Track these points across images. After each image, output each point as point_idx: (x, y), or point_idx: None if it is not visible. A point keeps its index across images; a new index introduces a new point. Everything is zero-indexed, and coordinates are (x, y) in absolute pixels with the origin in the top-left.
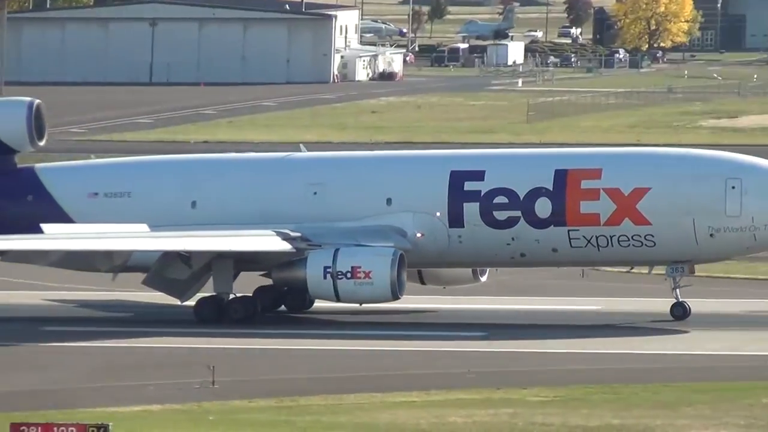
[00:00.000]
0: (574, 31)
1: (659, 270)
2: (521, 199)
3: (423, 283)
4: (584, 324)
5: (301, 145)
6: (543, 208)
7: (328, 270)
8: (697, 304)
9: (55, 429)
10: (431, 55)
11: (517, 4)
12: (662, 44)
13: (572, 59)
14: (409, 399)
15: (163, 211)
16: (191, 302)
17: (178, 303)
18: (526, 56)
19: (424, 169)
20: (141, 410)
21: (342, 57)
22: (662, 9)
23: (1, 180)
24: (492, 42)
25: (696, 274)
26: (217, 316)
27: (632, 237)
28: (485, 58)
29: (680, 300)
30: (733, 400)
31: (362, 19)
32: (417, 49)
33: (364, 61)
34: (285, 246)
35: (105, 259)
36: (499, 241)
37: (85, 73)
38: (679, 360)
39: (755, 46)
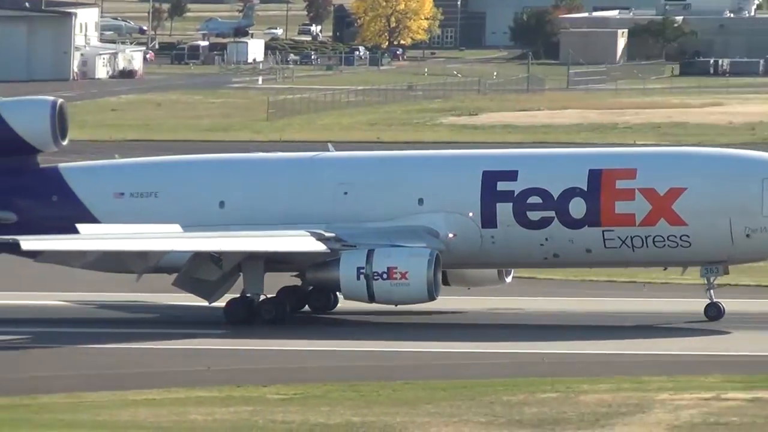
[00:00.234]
0: (315, 28)
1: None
2: (555, 199)
3: (447, 283)
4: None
5: (329, 144)
6: (577, 208)
7: (361, 271)
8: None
9: None
10: (171, 52)
11: (257, 1)
12: (402, 42)
13: (312, 57)
14: (149, 397)
15: (191, 211)
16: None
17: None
18: (266, 54)
19: (456, 169)
20: None
21: (82, 55)
22: (402, 6)
23: (24, 180)
24: (232, 40)
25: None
26: (248, 317)
27: (668, 237)
28: (225, 56)
29: (714, 300)
30: (474, 398)
31: (102, 17)
32: (157, 46)
33: (104, 58)
34: (320, 246)
35: (139, 260)
36: (533, 241)
37: None
38: (420, 357)
39: (495, 43)
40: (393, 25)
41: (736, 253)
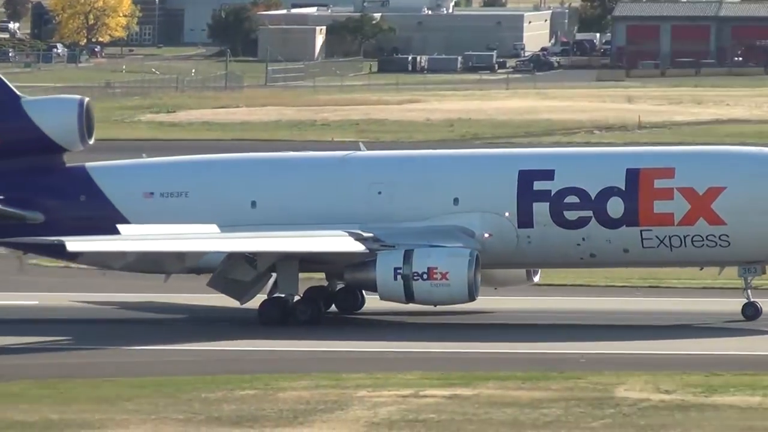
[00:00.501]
0: (13, 25)
1: None
2: (593, 198)
3: None
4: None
5: (360, 143)
6: (615, 207)
7: (398, 271)
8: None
9: None
10: None
11: None
12: (101, 39)
13: (10, 54)
14: None
15: (222, 211)
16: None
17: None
18: None
19: (492, 168)
20: None
21: None
22: (100, 3)
23: (51, 179)
24: None
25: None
26: (282, 317)
27: (706, 237)
28: None
29: (752, 300)
30: (174, 395)
31: None
32: None
33: None
34: (359, 247)
35: (178, 261)
36: (570, 241)
37: None
38: (124, 355)
39: (194, 40)
40: (91, 22)
41: None
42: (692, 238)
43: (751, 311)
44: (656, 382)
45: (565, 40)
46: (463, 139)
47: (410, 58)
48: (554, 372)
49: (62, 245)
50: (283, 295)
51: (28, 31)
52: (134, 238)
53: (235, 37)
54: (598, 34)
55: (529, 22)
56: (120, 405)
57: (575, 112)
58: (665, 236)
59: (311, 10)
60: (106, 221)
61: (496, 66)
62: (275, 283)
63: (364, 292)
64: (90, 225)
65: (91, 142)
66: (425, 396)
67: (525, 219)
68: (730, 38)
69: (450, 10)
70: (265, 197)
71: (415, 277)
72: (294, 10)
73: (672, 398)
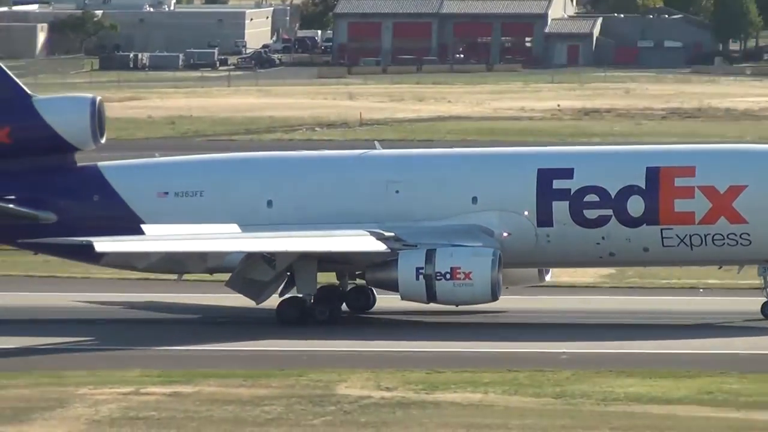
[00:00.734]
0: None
1: None
2: (612, 197)
3: None
4: None
5: (376, 142)
6: (635, 206)
7: (420, 271)
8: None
9: None
10: None
11: None
12: None
13: None
14: None
15: (238, 210)
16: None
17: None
18: None
19: (510, 167)
20: None
21: None
22: None
23: (63, 179)
24: None
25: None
26: (300, 317)
27: (727, 236)
28: None
29: None
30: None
31: None
32: None
33: None
34: (380, 246)
35: (200, 261)
36: (589, 240)
37: None
38: None
39: None
40: None
41: None
42: (713, 237)
43: None
44: (377, 380)
45: (286, 37)
46: (185, 137)
47: (132, 55)
48: (275, 370)
49: (90, 246)
50: (300, 295)
51: None
52: (160, 238)
53: None
54: (319, 32)
55: (251, 20)
56: None
57: (297, 109)
58: (686, 235)
59: (33, 7)
60: (120, 221)
61: (218, 63)
62: (286, 283)
63: (375, 291)
64: (103, 225)
65: (103, 141)
66: (146, 393)
67: (544, 218)
68: (452, 35)
69: (171, 8)
70: (282, 196)
71: (438, 277)
72: (15, 8)
73: (393, 395)
